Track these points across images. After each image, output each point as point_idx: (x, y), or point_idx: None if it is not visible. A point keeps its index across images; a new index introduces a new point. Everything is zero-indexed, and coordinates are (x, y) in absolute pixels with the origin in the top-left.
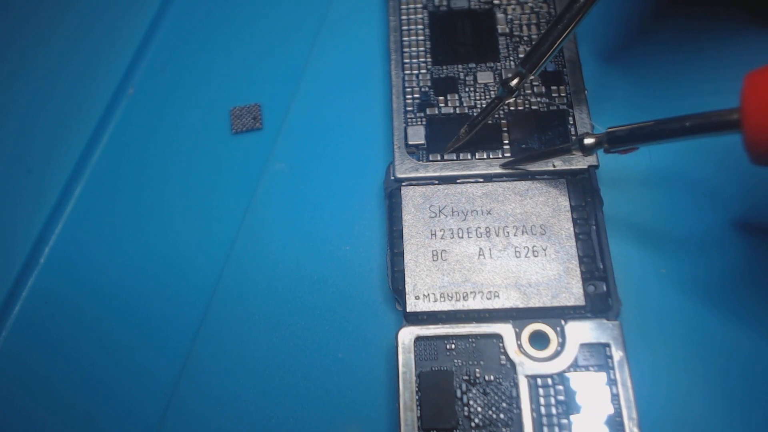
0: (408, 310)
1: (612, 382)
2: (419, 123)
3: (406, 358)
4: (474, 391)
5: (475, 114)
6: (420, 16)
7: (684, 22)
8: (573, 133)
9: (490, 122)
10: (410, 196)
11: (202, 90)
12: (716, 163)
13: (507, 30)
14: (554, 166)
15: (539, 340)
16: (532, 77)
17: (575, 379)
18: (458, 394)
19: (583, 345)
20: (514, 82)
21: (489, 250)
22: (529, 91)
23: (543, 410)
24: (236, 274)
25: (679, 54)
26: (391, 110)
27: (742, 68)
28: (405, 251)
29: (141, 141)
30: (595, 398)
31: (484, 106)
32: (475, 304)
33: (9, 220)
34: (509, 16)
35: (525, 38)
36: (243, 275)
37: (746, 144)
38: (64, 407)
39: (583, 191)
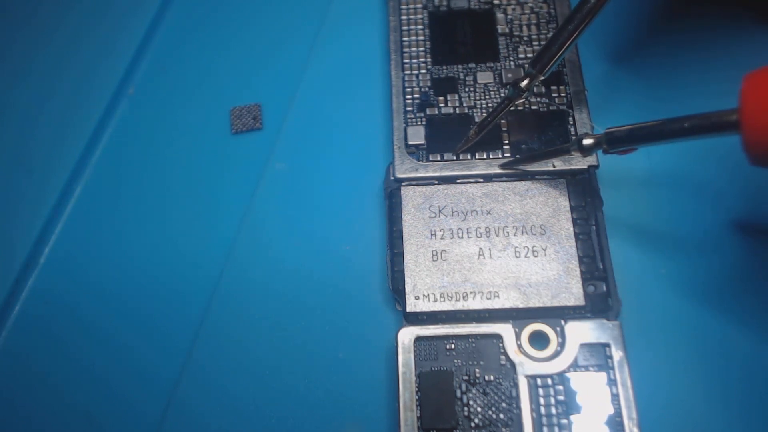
0: (408, 310)
1: (612, 382)
2: (419, 123)
3: (406, 358)
4: (474, 391)
5: (474, 113)
6: (420, 16)
7: (691, 22)
8: (573, 133)
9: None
10: (410, 196)
11: (202, 90)
12: (716, 164)
13: (507, 30)
14: (554, 166)
15: (539, 340)
16: (542, 78)
17: (575, 379)
18: (458, 394)
19: (583, 345)
20: (524, 83)
21: (489, 250)
22: None
23: (543, 410)
24: (236, 274)
25: (687, 54)
26: (391, 110)
27: (748, 68)
28: (405, 251)
29: (141, 141)
30: (595, 398)
31: (489, 106)
32: (475, 304)
33: (9, 220)
34: (509, 16)
35: (525, 38)
36: (243, 275)
37: (745, 145)
38: (64, 407)
39: (583, 191)
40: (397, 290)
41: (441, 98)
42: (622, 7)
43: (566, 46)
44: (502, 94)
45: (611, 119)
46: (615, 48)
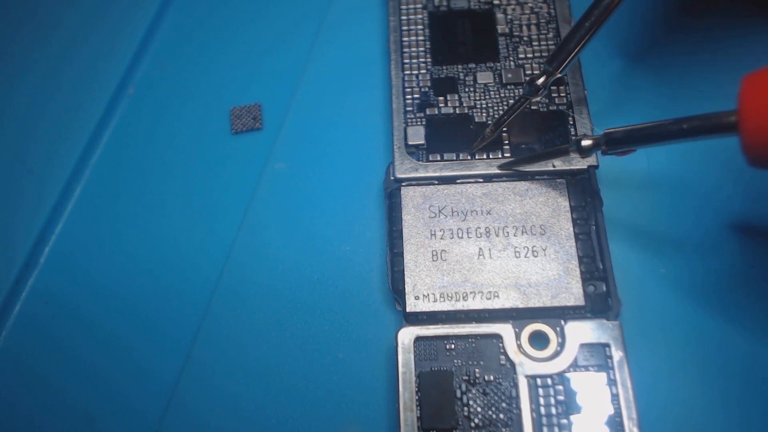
0: (408, 310)
1: (612, 383)
2: (419, 123)
3: (406, 358)
4: (474, 391)
5: (474, 114)
6: (420, 16)
7: (702, 21)
8: (573, 133)
9: (491, 122)
10: (410, 196)
11: (202, 90)
12: (716, 165)
13: (507, 30)
14: (554, 166)
15: (539, 340)
16: (559, 75)
17: (575, 379)
18: (458, 394)
19: (582, 345)
20: (541, 80)
21: (489, 250)
22: None
23: (543, 410)
24: (236, 274)
25: (697, 54)
26: (391, 110)
27: (756, 68)
28: (405, 251)
29: (141, 141)
30: (595, 398)
31: (489, 106)
32: (474, 304)
33: (9, 220)
34: (509, 16)
35: (525, 38)
36: (243, 275)
37: (744, 147)
38: (64, 407)
39: (582, 191)
40: (397, 290)
41: (441, 98)
42: (632, 5)
43: (582, 43)
44: (502, 94)
45: (618, 119)
46: (623, 47)
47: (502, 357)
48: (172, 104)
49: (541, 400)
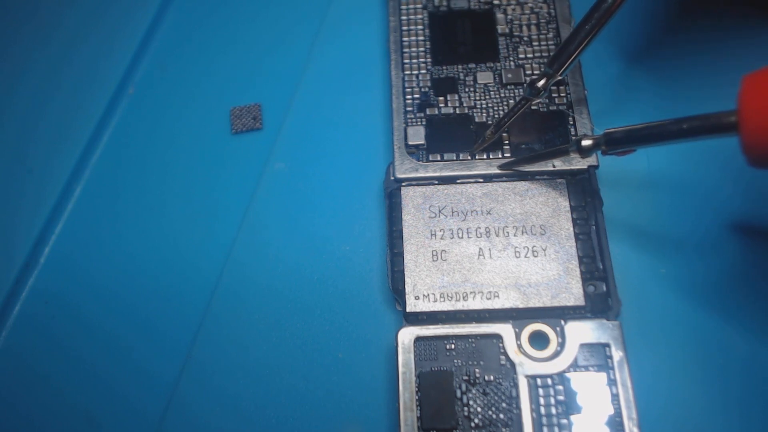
0: (408, 310)
1: (612, 383)
2: (419, 123)
3: (406, 358)
4: (474, 391)
5: (474, 114)
6: (420, 16)
7: (702, 22)
8: (573, 133)
9: (490, 122)
10: (410, 196)
11: (202, 90)
12: (716, 165)
13: (507, 30)
14: (554, 166)
15: (539, 340)
16: (559, 77)
17: (575, 380)
18: (458, 394)
19: (583, 345)
20: (541, 82)
21: (489, 251)
22: None
23: (543, 410)
24: (236, 274)
25: (698, 55)
26: (391, 110)
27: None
28: (405, 251)
29: (141, 141)
30: (595, 398)
31: (489, 106)
32: (474, 304)
33: (9, 220)
34: (509, 17)
35: (525, 38)
36: (243, 275)
37: (744, 147)
38: (64, 407)
39: (582, 191)
40: (397, 290)
41: (441, 98)
42: (632, 6)
43: (583, 45)
44: (502, 94)
45: (618, 119)
46: (623, 47)
47: (502, 357)
48: (172, 104)
49: (541, 400)
